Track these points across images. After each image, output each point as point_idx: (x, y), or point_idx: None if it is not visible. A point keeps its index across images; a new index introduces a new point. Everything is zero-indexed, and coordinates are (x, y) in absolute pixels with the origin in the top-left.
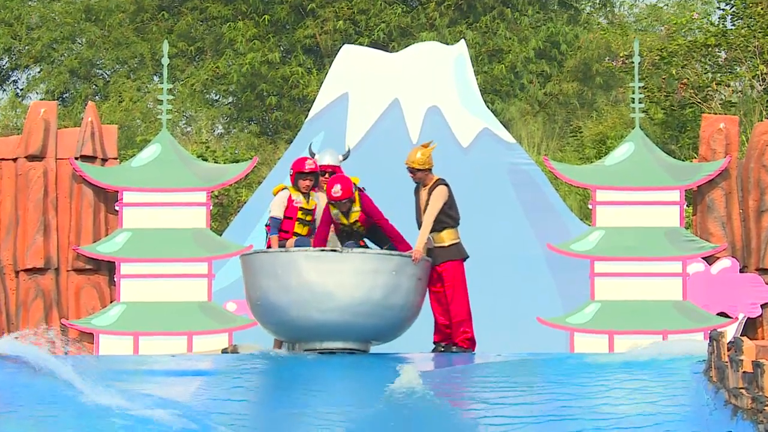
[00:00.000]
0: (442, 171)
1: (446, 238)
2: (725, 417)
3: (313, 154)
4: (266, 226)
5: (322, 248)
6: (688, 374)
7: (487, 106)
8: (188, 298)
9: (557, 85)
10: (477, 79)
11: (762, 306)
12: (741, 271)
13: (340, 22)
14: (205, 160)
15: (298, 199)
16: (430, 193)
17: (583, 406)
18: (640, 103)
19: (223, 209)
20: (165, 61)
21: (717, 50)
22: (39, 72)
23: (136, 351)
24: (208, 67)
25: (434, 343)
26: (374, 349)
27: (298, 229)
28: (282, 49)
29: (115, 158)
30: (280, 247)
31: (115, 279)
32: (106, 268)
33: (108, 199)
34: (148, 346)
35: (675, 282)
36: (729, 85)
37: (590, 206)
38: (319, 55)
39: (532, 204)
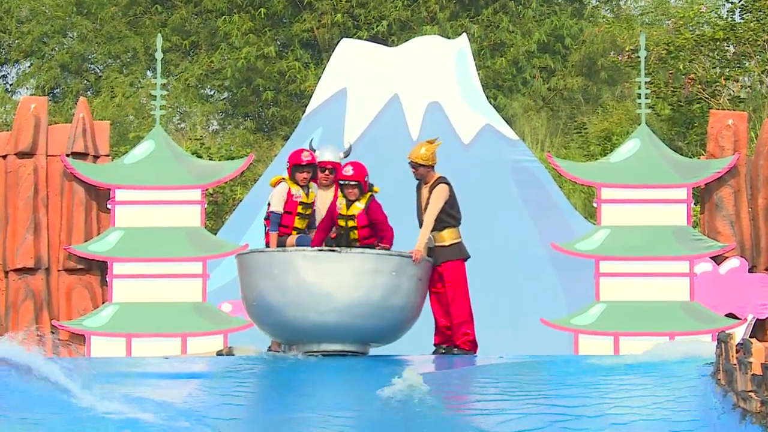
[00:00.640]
0: (443, 168)
1: (447, 237)
2: (734, 421)
3: (313, 150)
4: (265, 219)
5: (320, 248)
6: (695, 377)
7: (489, 102)
8: (182, 299)
9: (561, 80)
10: (479, 73)
11: None
12: (750, 271)
13: (339, 15)
14: (200, 157)
15: (298, 193)
16: (431, 191)
17: (587, 410)
18: (646, 98)
19: (218, 207)
20: (158, 55)
21: (725, 44)
22: (29, 67)
23: (128, 353)
24: (203, 61)
25: (435, 345)
26: (373, 351)
27: (298, 223)
28: (278, 43)
29: (107, 155)
30: (279, 243)
31: (108, 279)
32: (98, 267)
33: (100, 197)
34: (141, 348)
35: (682, 282)
36: (738, 80)
37: (595, 204)
38: (317, 49)
39: (536, 202)
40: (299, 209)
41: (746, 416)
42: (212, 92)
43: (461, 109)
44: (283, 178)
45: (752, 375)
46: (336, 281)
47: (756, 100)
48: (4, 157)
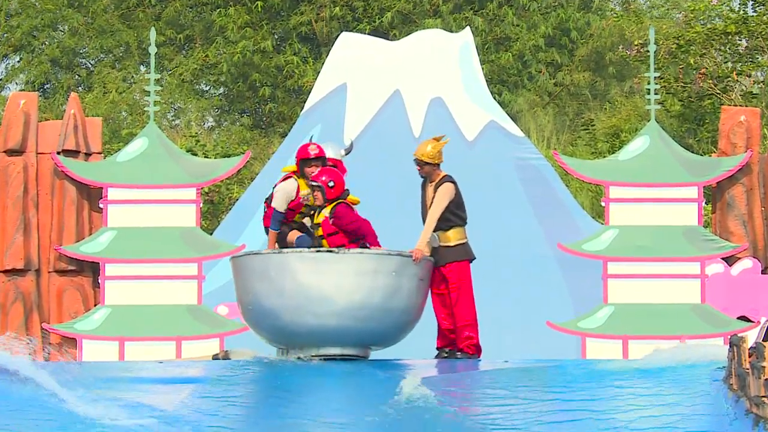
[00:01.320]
0: (446, 166)
1: (452, 237)
2: (746, 427)
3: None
4: (264, 212)
5: (318, 248)
6: (707, 382)
7: (494, 98)
8: (177, 301)
9: (568, 75)
10: (483, 68)
11: None
12: (763, 272)
13: (338, 8)
14: (195, 154)
15: (306, 195)
16: (436, 190)
17: (595, 416)
18: (655, 94)
19: (214, 207)
20: (152, 49)
21: (737, 38)
22: (18, 61)
23: (121, 357)
24: (198, 56)
25: (437, 348)
26: (374, 355)
27: (297, 218)
28: (276, 36)
29: (100, 153)
30: (280, 236)
31: (100, 281)
32: (90, 269)
33: (92, 196)
34: (135, 352)
35: (693, 284)
36: (750, 75)
37: (603, 203)
38: (316, 43)
39: (542, 201)
40: (303, 209)
41: (759, 422)
42: (207, 88)
43: (465, 105)
44: (294, 173)
45: (765, 380)
46: (334, 283)
47: None
48: None
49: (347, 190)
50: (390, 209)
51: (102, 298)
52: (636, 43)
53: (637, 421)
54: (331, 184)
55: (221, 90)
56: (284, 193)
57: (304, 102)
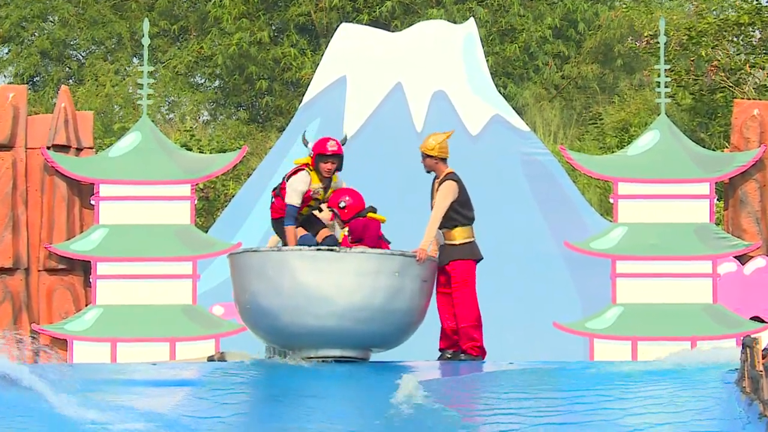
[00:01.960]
0: (450, 161)
1: (458, 236)
2: (759, 431)
3: (306, 143)
4: (272, 202)
5: (318, 247)
6: (718, 385)
7: (499, 91)
8: (171, 301)
9: (575, 67)
10: (488, 60)
11: None
12: None
13: None
14: (190, 149)
15: (317, 188)
16: (438, 188)
17: (603, 420)
18: (666, 87)
19: (209, 204)
20: (145, 41)
21: (751, 29)
22: (7, 53)
23: (113, 359)
24: (192, 48)
25: (440, 350)
26: (375, 357)
27: (304, 211)
28: (273, 28)
29: (91, 148)
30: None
31: (91, 280)
32: (81, 268)
33: (83, 192)
34: (127, 354)
35: (704, 283)
36: (764, 68)
37: (611, 200)
38: (314, 34)
39: (548, 198)
40: (311, 203)
41: None
42: (202, 81)
43: (468, 99)
44: (307, 166)
45: None
46: (335, 283)
47: None
48: None
49: (370, 207)
50: (391, 205)
51: (93, 297)
52: (646, 34)
53: (646, 425)
54: (342, 204)
55: (216, 83)
56: (299, 186)
57: (303, 95)
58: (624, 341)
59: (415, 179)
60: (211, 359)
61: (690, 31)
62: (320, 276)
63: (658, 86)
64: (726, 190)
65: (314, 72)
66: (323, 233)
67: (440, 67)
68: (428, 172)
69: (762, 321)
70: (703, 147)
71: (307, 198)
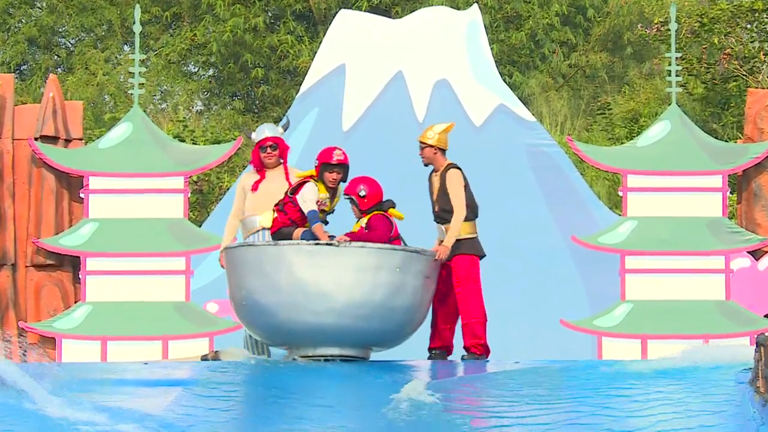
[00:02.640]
0: (453, 152)
1: (462, 231)
2: None
3: (286, 127)
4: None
5: (317, 241)
6: (731, 384)
7: (504, 80)
8: (163, 298)
9: (583, 55)
10: (492, 48)
11: None
12: None
13: None
14: (183, 140)
15: (325, 199)
16: (441, 179)
17: (611, 421)
18: (677, 76)
19: (203, 197)
20: (137, 28)
21: (765, 16)
22: None
23: (104, 358)
24: (185, 35)
25: (429, 349)
26: (375, 355)
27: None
28: (269, 14)
29: (80, 139)
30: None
31: (80, 276)
32: (70, 263)
33: (72, 185)
34: (118, 352)
35: (717, 279)
36: None
37: (620, 193)
38: (312, 21)
39: (555, 191)
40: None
41: None
42: (196, 69)
43: (472, 88)
44: (312, 177)
45: None
46: (334, 279)
47: None
48: None
49: (389, 200)
50: (392, 197)
51: (83, 294)
52: (656, 21)
53: (656, 426)
54: (362, 193)
55: (210, 71)
56: (311, 195)
57: (300, 84)
58: (633, 339)
59: (417, 171)
60: (205, 358)
61: (702, 18)
62: (319, 272)
63: (669, 75)
64: (739, 183)
65: (312, 60)
66: (298, 232)
67: (443, 55)
68: (426, 164)
69: None
70: (716, 138)
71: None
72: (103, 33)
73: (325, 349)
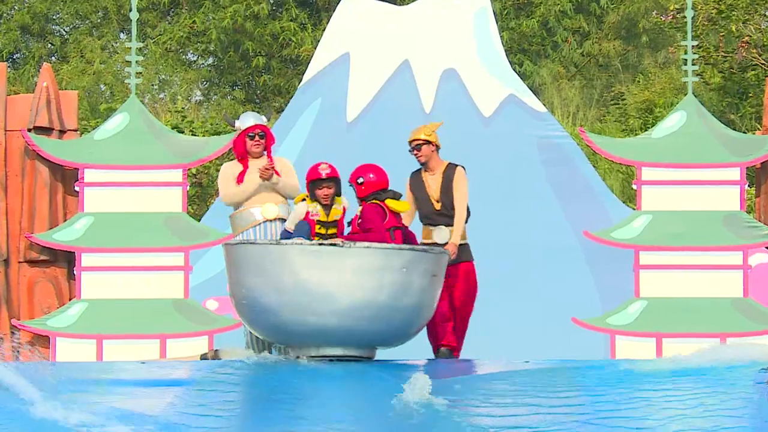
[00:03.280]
0: (460, 144)
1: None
2: None
3: (232, 123)
4: None
5: (320, 241)
6: (749, 384)
7: (514, 69)
8: (161, 295)
9: (597, 43)
10: (502, 36)
11: None
12: None
13: None
14: (181, 132)
15: (315, 210)
16: (445, 178)
17: (625, 422)
18: (693, 65)
19: (202, 190)
20: (133, 15)
21: None
22: None
23: (99, 357)
24: (184, 22)
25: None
26: (380, 354)
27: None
28: (271, 0)
29: (75, 130)
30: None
31: (75, 272)
32: (65, 259)
33: (66, 178)
34: (114, 351)
35: (734, 276)
36: None
37: (634, 186)
38: (315, 8)
39: (566, 184)
40: (317, 228)
41: None
42: (195, 58)
43: (481, 78)
44: (305, 197)
45: None
46: (338, 279)
47: None
48: None
49: (390, 191)
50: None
51: (78, 291)
52: (672, 8)
53: (671, 428)
54: (359, 180)
55: (210, 60)
56: (295, 215)
57: (302, 74)
58: (648, 338)
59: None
60: (204, 357)
61: (719, 5)
62: (322, 272)
63: (685, 64)
64: (758, 176)
65: (315, 49)
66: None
67: (451, 44)
68: (423, 163)
69: None
70: (733, 129)
71: (310, 223)
72: (99, 20)
73: (328, 349)
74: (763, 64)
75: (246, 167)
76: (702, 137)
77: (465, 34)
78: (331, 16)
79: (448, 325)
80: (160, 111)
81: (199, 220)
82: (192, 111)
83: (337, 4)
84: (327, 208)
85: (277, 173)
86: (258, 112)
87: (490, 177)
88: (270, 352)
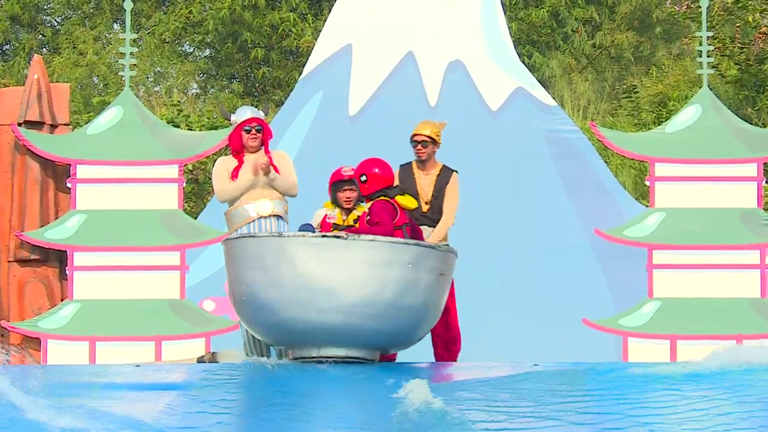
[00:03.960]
0: (467, 139)
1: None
2: None
3: (228, 116)
4: None
5: (323, 234)
6: (767, 388)
7: (522, 61)
8: (156, 296)
9: (608, 35)
10: (510, 27)
11: None
12: None
13: None
14: (177, 126)
15: (332, 213)
16: (439, 180)
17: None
18: (709, 56)
19: (199, 187)
20: (127, 5)
21: None
22: None
23: (92, 360)
24: (180, 12)
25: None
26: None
27: None
28: None
29: (67, 124)
30: None
31: (67, 272)
32: (56, 258)
33: (58, 174)
34: (108, 354)
35: (751, 275)
36: None
37: (647, 183)
38: None
39: (576, 180)
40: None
41: None
42: (191, 49)
43: (488, 70)
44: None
45: None
46: (341, 274)
47: None
48: None
49: (395, 187)
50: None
51: (70, 291)
52: None
53: None
54: (363, 178)
55: (207, 52)
56: (314, 220)
57: (303, 66)
58: (661, 340)
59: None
60: (201, 360)
61: None
62: (325, 266)
63: (700, 56)
64: None
65: (316, 40)
66: None
67: (457, 35)
68: (423, 161)
69: None
70: (750, 123)
71: (326, 226)
72: (92, 10)
73: (330, 349)
74: None
75: (241, 162)
76: (718, 131)
77: (472, 25)
78: (332, 6)
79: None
80: (156, 104)
81: (196, 218)
82: (188, 104)
83: None
84: (346, 212)
85: (275, 168)
86: (256, 106)
87: (497, 173)
88: (269, 355)
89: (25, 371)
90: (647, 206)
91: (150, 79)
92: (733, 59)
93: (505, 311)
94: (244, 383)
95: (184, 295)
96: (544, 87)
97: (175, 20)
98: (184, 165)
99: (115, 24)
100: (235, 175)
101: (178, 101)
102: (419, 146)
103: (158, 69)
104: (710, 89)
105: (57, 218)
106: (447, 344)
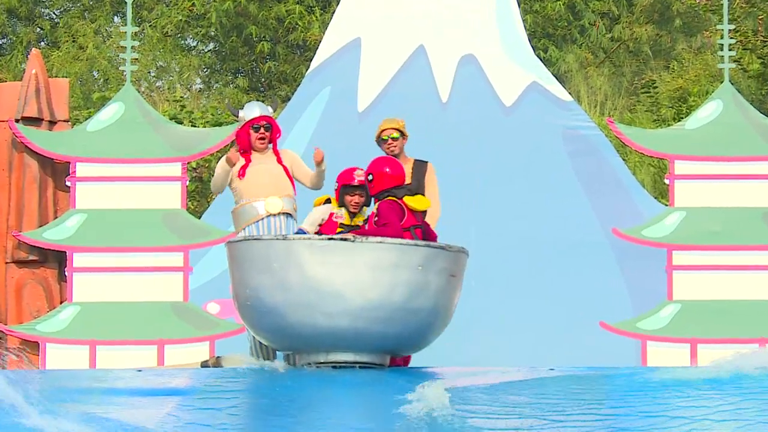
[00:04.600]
0: (480, 135)
1: None
2: None
3: (236, 113)
4: None
5: (330, 236)
6: None
7: (538, 55)
8: (159, 298)
9: (627, 28)
10: (525, 20)
11: None
12: None
13: None
14: (180, 122)
15: (340, 213)
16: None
17: None
18: (730, 50)
19: (203, 185)
20: None
21: None
22: None
23: (92, 364)
24: (183, 4)
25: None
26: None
27: None
28: None
29: (67, 120)
30: None
31: (67, 273)
32: (55, 259)
33: (57, 172)
34: (108, 358)
35: None
36: None
37: (667, 181)
38: None
39: (594, 178)
40: (338, 231)
41: None
42: (195, 43)
43: (502, 64)
44: (329, 199)
45: None
46: (349, 277)
47: None
48: None
49: (403, 187)
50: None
51: (69, 293)
52: None
53: None
54: (370, 177)
55: (211, 45)
56: (316, 215)
57: (310, 60)
58: (681, 344)
59: (440, 156)
60: (204, 365)
61: None
62: (332, 269)
63: (721, 49)
64: None
65: (323, 33)
66: None
67: (469, 28)
68: (396, 155)
69: None
70: None
71: (333, 226)
72: (91, 3)
73: (338, 354)
74: None
75: (249, 161)
76: (739, 128)
77: (485, 17)
78: None
79: None
80: (158, 100)
81: (200, 217)
82: (192, 100)
83: None
84: (352, 214)
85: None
86: (262, 101)
87: (511, 170)
88: (275, 359)
89: (23, 376)
90: (666, 205)
91: (152, 74)
92: (756, 53)
93: (520, 313)
94: (249, 389)
95: (188, 298)
96: (559, 82)
97: (177, 13)
98: (188, 163)
99: (115, 17)
100: (242, 173)
101: (181, 97)
102: (391, 140)
103: (160, 63)
104: (732, 84)
105: (56, 218)
106: None
